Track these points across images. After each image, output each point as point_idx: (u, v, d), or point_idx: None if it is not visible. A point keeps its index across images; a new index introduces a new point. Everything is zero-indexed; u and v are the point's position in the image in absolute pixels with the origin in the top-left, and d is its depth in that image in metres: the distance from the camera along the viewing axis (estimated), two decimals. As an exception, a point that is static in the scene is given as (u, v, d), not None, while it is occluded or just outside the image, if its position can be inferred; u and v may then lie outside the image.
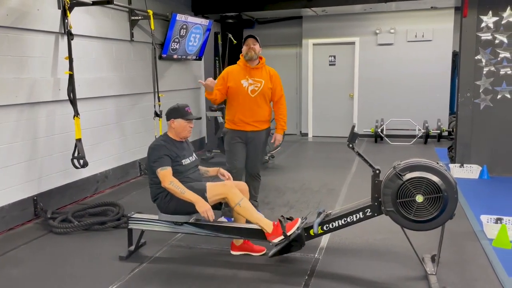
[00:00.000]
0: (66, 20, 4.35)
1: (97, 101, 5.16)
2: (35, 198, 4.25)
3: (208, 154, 7.14)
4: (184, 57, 6.94)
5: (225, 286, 2.90)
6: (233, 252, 3.39)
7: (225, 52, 8.34)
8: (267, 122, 4.09)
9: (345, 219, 3.01)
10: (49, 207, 4.33)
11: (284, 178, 5.90)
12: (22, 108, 4.11)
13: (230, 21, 8.64)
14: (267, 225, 3.06)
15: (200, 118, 3.60)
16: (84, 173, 4.89)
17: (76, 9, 4.53)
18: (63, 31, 4.50)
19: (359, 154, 2.98)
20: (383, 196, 2.85)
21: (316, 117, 9.42)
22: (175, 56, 6.68)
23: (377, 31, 8.68)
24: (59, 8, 4.46)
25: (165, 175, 3.08)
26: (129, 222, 3.37)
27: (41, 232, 3.93)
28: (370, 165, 2.94)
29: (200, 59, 7.43)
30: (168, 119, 3.28)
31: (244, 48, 3.94)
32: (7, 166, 3.98)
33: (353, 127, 3.02)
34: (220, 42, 8.33)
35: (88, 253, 3.49)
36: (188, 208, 3.10)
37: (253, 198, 4.11)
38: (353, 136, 2.95)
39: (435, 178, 2.74)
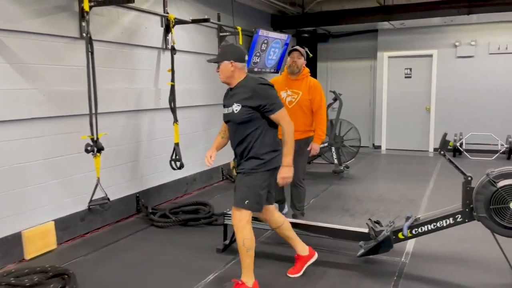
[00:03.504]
0: (168, 37, 4.88)
1: (188, 110, 5.63)
2: (137, 195, 4.75)
3: None
4: (263, 70, 7.31)
5: (316, 281, 3.10)
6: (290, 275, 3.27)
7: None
8: (304, 132, 4.05)
9: (435, 224, 3.09)
10: (147, 204, 4.80)
11: (360, 188, 5.99)
12: (129, 114, 4.65)
13: (305, 35, 8.91)
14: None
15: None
16: (177, 175, 5.35)
17: (175, 27, 5.05)
18: (164, 47, 5.02)
19: (450, 161, 3.06)
20: (475, 202, 2.91)
21: (390, 130, 9.36)
22: (255, 69, 7.06)
23: (457, 44, 8.51)
24: (161, 26, 5.00)
25: (286, 113, 2.92)
26: (225, 218, 3.69)
27: (143, 225, 4.40)
28: (462, 172, 3.02)
29: (277, 71, 7.75)
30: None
31: (288, 60, 4.08)
32: (117, 165, 4.50)
33: (445, 134, 3.12)
34: (296, 55, 8.62)
35: (186, 245, 3.86)
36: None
37: (295, 208, 4.21)
38: (445, 143, 3.05)
39: (531, 186, 2.76)
